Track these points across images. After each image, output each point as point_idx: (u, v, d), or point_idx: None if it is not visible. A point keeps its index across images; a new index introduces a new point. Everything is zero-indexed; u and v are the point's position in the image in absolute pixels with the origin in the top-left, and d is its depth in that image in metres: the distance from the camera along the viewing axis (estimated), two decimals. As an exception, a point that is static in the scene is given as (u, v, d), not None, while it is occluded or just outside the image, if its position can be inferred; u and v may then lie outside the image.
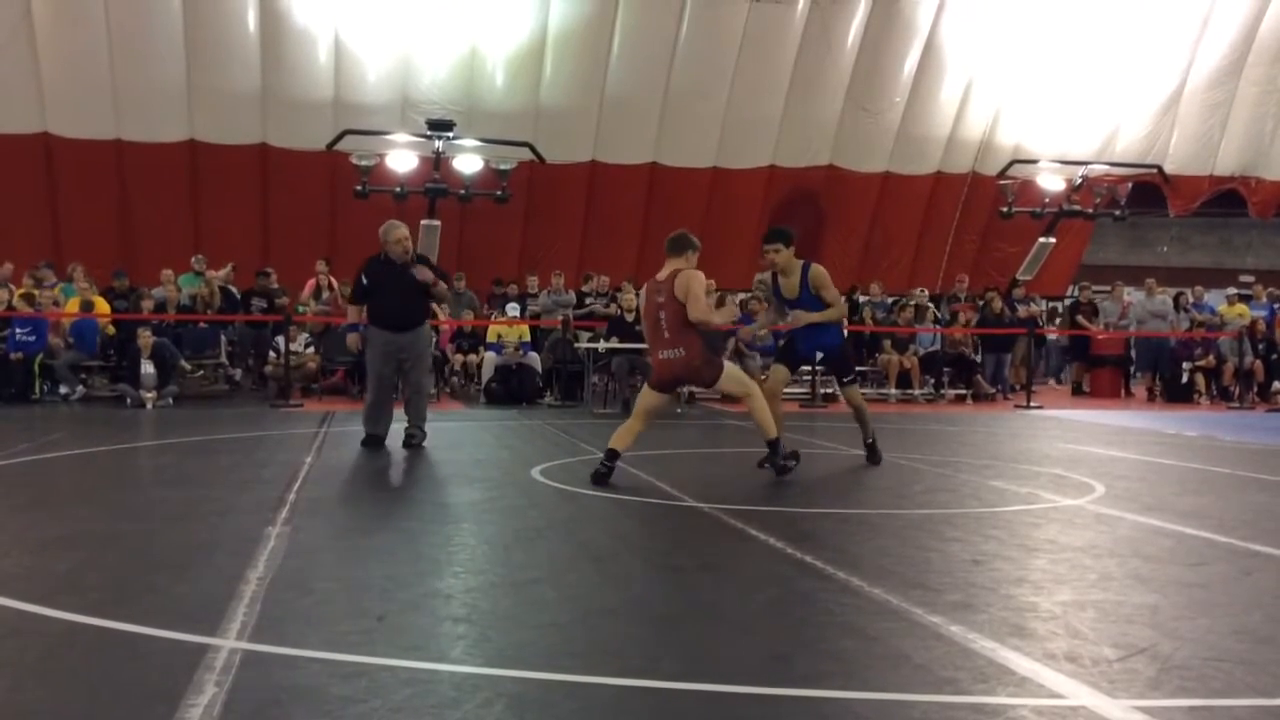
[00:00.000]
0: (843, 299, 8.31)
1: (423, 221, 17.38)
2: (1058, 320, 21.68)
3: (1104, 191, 20.97)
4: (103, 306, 15.55)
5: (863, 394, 8.75)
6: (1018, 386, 17.79)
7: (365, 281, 9.69)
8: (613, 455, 7.58)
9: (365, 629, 3.84)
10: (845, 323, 9.11)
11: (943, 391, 17.49)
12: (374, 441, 9.57)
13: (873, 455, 8.74)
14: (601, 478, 7.48)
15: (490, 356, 15.66)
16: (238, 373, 16.75)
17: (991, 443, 11.19)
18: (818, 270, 8.36)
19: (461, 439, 10.74)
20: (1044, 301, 20.06)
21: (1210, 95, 22.10)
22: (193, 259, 16.70)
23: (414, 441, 9.55)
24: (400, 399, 10.10)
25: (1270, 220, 25.68)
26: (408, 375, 9.84)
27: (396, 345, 9.61)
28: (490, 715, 3.04)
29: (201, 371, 15.98)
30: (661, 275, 7.72)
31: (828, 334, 8.57)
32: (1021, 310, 18.83)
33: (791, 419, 8.79)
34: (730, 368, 8.08)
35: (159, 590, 4.48)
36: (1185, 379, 18.28)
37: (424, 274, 9.58)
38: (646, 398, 7.96)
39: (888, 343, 17.45)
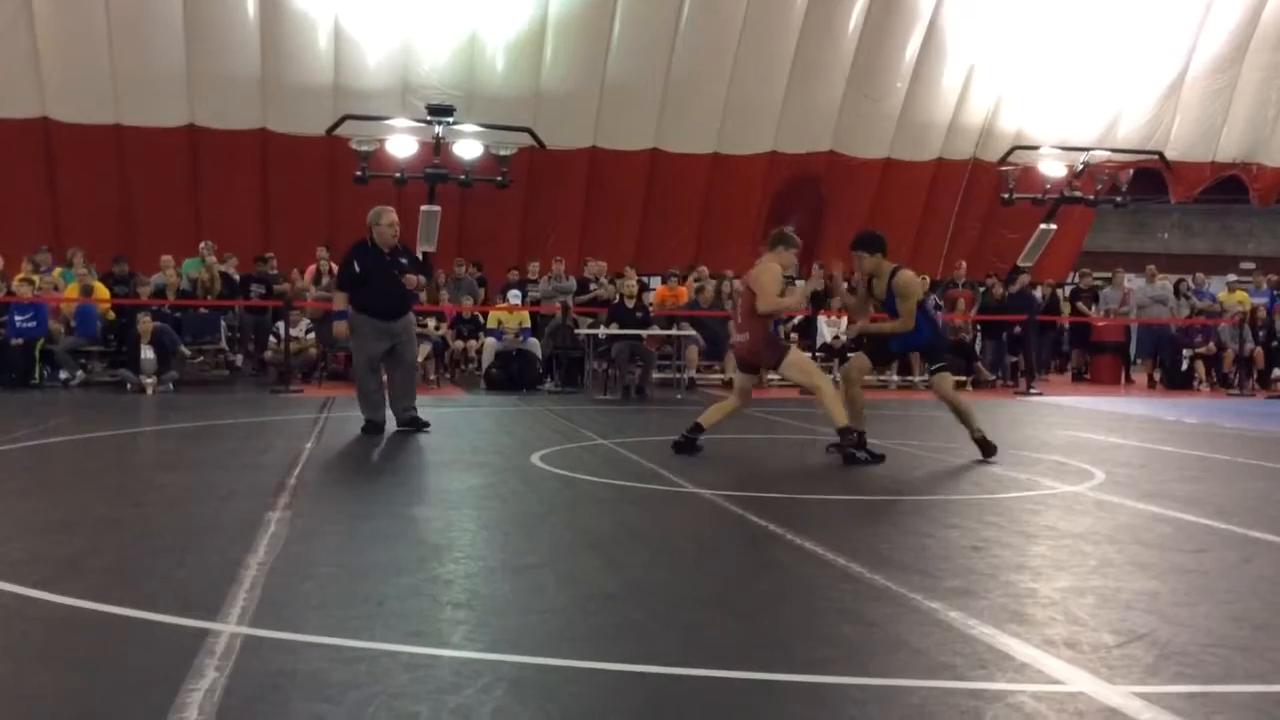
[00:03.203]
0: (914, 312, 8.19)
1: (423, 207, 17.37)
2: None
3: (1105, 178, 20.95)
4: (102, 292, 15.54)
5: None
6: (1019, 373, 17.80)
7: (358, 269, 9.56)
8: (696, 429, 8.25)
9: (365, 614, 3.85)
10: (933, 313, 9.03)
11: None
12: (374, 428, 9.57)
13: (985, 449, 8.20)
14: (680, 447, 8.20)
15: (490, 342, 15.66)
16: (238, 358, 16.74)
17: (991, 429, 11.16)
18: (903, 279, 8.28)
19: (462, 425, 10.75)
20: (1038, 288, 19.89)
21: (1212, 82, 22.04)
22: (201, 245, 16.63)
23: (416, 422, 9.59)
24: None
25: (1271, 207, 25.64)
26: (399, 355, 9.72)
27: (388, 333, 9.58)
28: (490, 700, 3.05)
29: (201, 357, 15.98)
30: (762, 262, 8.38)
31: (919, 334, 8.37)
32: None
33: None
34: (797, 356, 8.35)
35: (160, 575, 4.49)
36: (1185, 366, 18.28)
37: (411, 281, 9.64)
38: (736, 378, 8.92)
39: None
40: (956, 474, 7.66)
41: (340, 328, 9.67)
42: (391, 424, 9.66)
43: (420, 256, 16.53)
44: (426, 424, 9.64)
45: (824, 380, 8.18)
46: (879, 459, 7.97)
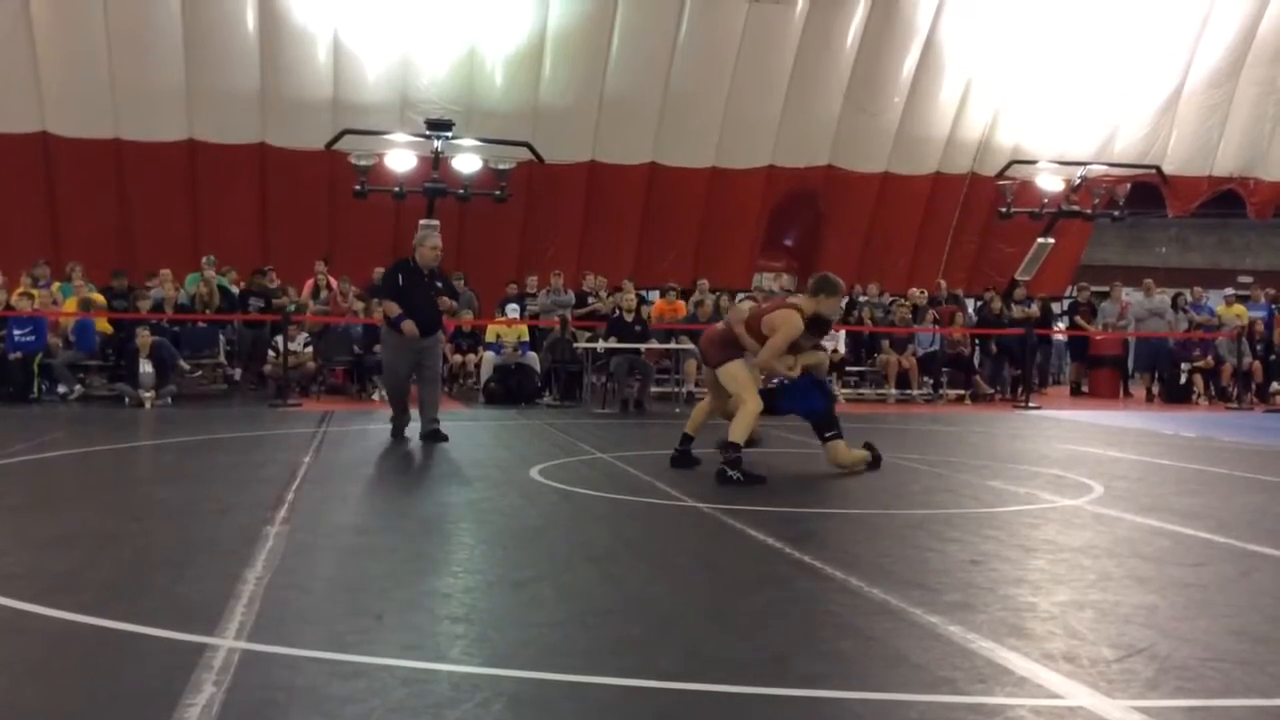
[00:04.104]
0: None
1: (421, 221, 17.38)
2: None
3: (1102, 192, 20.98)
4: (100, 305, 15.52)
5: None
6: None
7: (401, 283, 10.18)
8: (686, 440, 8.33)
9: (363, 628, 3.84)
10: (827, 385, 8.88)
11: (941, 392, 17.50)
12: (400, 433, 10.19)
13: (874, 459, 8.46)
14: (677, 461, 8.27)
15: (489, 356, 15.66)
16: (236, 372, 16.73)
17: (990, 443, 11.19)
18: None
19: (460, 439, 10.73)
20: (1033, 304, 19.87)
21: (1209, 96, 22.10)
22: (204, 260, 16.63)
23: (437, 435, 9.97)
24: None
25: (1269, 221, 25.69)
26: (424, 370, 10.33)
27: (417, 348, 10.14)
28: (488, 715, 3.04)
29: (200, 371, 15.96)
30: (793, 300, 8.25)
31: (809, 400, 8.41)
32: (1018, 311, 18.79)
33: (795, 419, 8.78)
34: (738, 367, 8.02)
35: (157, 589, 4.48)
36: (1183, 379, 18.29)
37: (445, 304, 10.31)
38: (705, 374, 9.04)
39: (886, 342, 17.46)
40: (955, 488, 7.66)
41: (409, 326, 9.97)
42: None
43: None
44: (446, 437, 10.01)
45: (754, 399, 7.86)
46: (759, 479, 7.57)
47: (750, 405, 7.82)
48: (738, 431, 7.68)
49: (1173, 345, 18.64)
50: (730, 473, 7.48)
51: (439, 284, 10.41)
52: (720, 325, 8.61)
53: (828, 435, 8.28)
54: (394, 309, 10.11)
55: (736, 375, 7.99)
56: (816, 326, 8.26)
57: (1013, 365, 18.11)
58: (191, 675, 3.28)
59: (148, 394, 13.88)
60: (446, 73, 19.21)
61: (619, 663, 3.56)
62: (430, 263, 10.26)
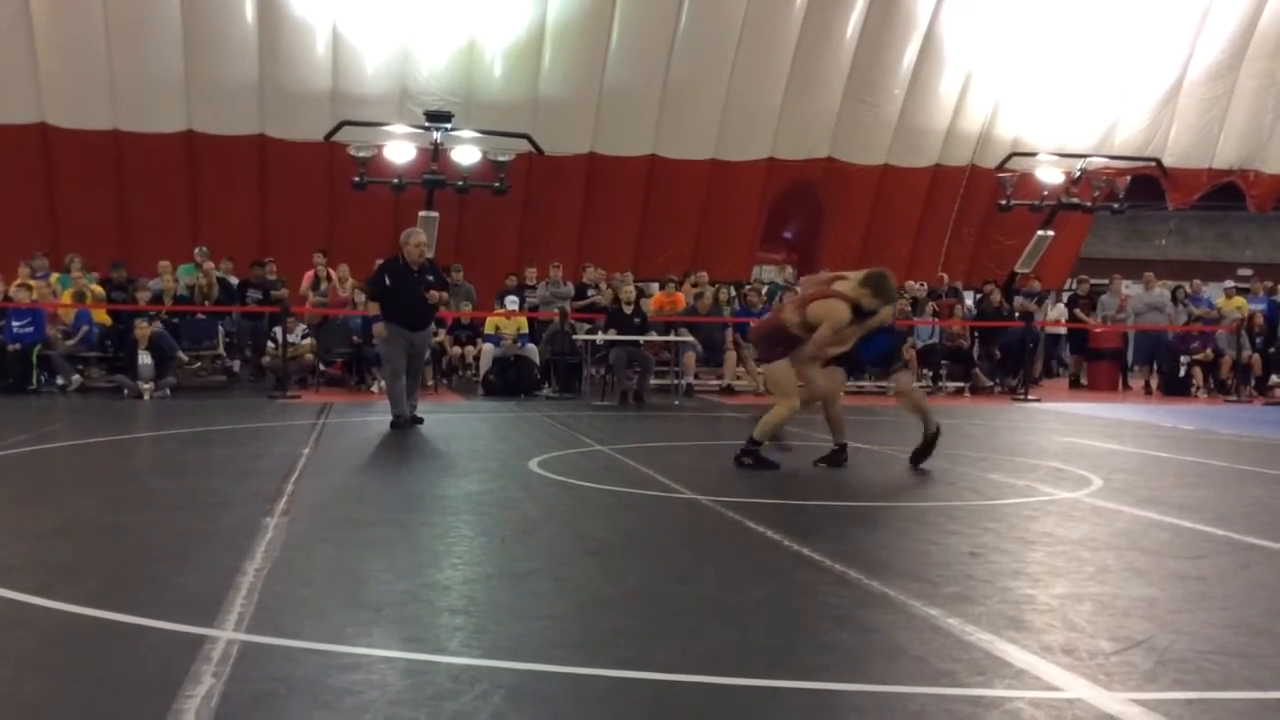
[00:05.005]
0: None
1: (421, 213, 17.38)
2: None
3: (1102, 184, 20.96)
4: (99, 297, 15.50)
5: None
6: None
7: (388, 283, 10.57)
8: (753, 442, 8.12)
9: (363, 620, 3.85)
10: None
11: (940, 384, 17.50)
12: (400, 422, 10.37)
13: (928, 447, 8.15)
14: (750, 461, 7.96)
15: (488, 348, 15.65)
16: (235, 364, 16.73)
17: (989, 436, 11.19)
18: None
19: (459, 431, 10.75)
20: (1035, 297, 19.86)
21: (1209, 88, 22.08)
22: (195, 250, 16.64)
23: (415, 419, 10.59)
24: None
25: (1268, 214, 25.68)
26: (412, 361, 10.78)
27: (411, 341, 10.63)
28: (487, 707, 3.04)
29: (199, 363, 15.96)
30: (839, 286, 7.95)
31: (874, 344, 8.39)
32: (1020, 305, 18.76)
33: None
34: (783, 368, 8.03)
35: (157, 581, 4.48)
36: (1183, 372, 18.29)
37: (433, 297, 10.64)
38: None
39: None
40: (954, 480, 7.66)
41: (379, 329, 10.79)
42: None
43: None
44: (421, 419, 10.68)
45: (791, 402, 7.93)
46: (774, 466, 7.89)
47: (782, 408, 7.95)
48: (765, 428, 7.91)
49: (1172, 338, 18.64)
50: (744, 459, 7.88)
51: (429, 277, 10.72)
52: (769, 316, 8.72)
53: (895, 366, 8.72)
54: (373, 309, 10.89)
55: (778, 378, 8.13)
56: (861, 315, 7.90)
57: (1010, 371, 18.00)
58: (191, 667, 3.28)
59: (146, 385, 13.88)
60: (446, 64, 19.17)
61: (618, 654, 3.56)
62: (417, 259, 10.61)
